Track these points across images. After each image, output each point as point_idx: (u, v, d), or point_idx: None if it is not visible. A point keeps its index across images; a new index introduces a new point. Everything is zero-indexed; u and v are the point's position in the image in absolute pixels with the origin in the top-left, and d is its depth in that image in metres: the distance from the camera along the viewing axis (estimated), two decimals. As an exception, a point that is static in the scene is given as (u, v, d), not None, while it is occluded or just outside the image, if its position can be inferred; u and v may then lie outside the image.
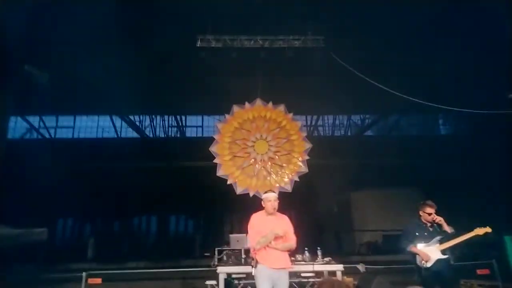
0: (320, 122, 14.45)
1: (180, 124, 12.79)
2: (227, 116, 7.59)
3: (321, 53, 7.28)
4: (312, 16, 7.19)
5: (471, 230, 3.71)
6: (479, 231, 3.64)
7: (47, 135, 12.98)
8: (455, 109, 7.15)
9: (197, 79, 8.50)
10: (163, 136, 12.85)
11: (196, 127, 13.44)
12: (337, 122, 14.58)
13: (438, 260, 3.65)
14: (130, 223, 15.77)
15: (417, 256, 3.75)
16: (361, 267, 5.38)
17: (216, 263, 4.70)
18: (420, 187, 12.94)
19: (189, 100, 10.57)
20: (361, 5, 6.80)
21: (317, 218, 13.93)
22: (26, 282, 5.51)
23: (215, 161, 7.32)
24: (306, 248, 4.79)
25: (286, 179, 7.44)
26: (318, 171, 9.28)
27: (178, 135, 12.94)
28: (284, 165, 7.46)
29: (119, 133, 13.18)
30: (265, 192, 3.65)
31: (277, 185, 7.18)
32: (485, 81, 8.12)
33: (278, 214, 3.59)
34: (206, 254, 7.37)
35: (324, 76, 8.67)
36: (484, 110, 6.86)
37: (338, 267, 4.47)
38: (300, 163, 7.44)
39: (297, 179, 7.44)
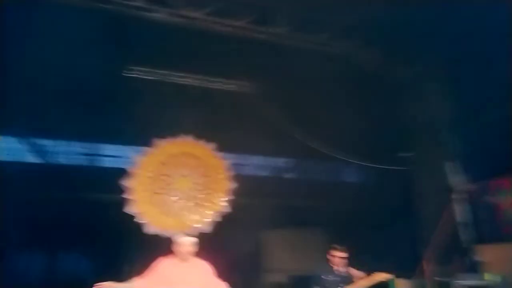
0: (247, 161, 15.02)
1: (92, 152, 12.01)
2: (150, 148, 7.55)
3: (250, 98, 7.96)
4: (245, 63, 7.85)
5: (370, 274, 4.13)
6: (379, 276, 3.98)
7: None
8: (355, 161, 8.36)
9: (124, 108, 8.38)
10: (71, 163, 11.82)
11: (112, 157, 12.69)
12: (261, 163, 15.33)
13: None
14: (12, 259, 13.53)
15: None
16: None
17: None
18: (327, 229, 14.29)
19: (105, 126, 10.15)
20: (288, 56, 7.62)
21: (231, 259, 13.98)
22: None
23: (126, 195, 7.07)
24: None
25: (208, 219, 7.57)
26: (237, 211, 9.63)
27: (89, 164, 12.06)
28: (207, 204, 7.62)
29: (23, 158, 11.69)
30: (180, 236, 3.34)
31: (198, 225, 7.27)
32: (388, 139, 9.65)
33: (196, 261, 3.28)
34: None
35: (251, 118, 9.38)
36: (381, 165, 8.22)
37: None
38: (223, 203, 7.69)
39: (219, 219, 7.63)
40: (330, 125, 10.02)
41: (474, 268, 4.87)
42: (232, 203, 7.99)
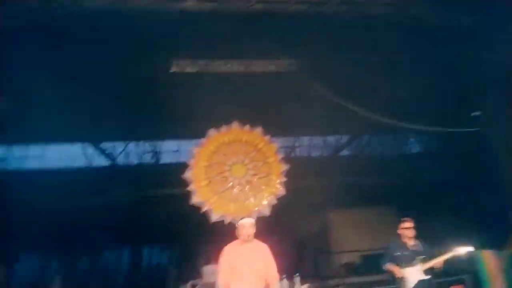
0: (296, 143, 14.71)
1: (155, 150, 12.60)
2: (203, 139, 7.61)
3: (296, 77, 7.54)
4: (286, 40, 7.47)
5: (449, 247, 3.81)
6: (462, 250, 3.71)
7: (14, 166, 12.37)
8: (419, 128, 7.51)
9: (172, 104, 8.55)
10: (135, 163, 12.55)
11: (172, 153, 13.22)
12: (313, 142, 14.87)
13: (420, 281, 3.65)
14: (100, 258, 15.00)
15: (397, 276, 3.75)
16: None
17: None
18: (395, 205, 13.35)
19: (164, 125, 10.51)
20: (334, 27, 7.08)
21: (295, 241, 13.86)
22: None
23: (189, 188, 7.23)
24: (284, 276, 4.64)
25: (264, 202, 7.46)
26: (295, 193, 9.37)
27: (153, 162, 12.70)
28: (262, 187, 7.51)
29: (90, 162, 12.75)
30: (241, 219, 3.43)
31: (256, 208, 7.19)
32: (452, 100, 8.62)
33: (256, 242, 3.33)
34: (181, 286, 7.13)
35: (299, 99, 8.96)
36: (450, 129, 7.28)
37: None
38: (278, 185, 7.52)
39: (275, 202, 7.49)
40: (388, 92, 9.21)
41: None
42: (289, 185, 7.74)
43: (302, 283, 4.66)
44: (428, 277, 3.67)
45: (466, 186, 10.54)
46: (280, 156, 7.87)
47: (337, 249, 14.34)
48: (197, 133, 8.10)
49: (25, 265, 14.52)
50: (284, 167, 7.69)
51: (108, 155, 11.93)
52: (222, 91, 7.80)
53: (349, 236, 14.10)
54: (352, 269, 13.27)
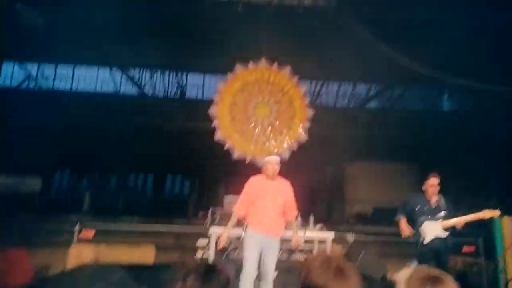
0: (324, 89, 14.15)
1: (181, 82, 12.50)
2: (229, 75, 7.33)
3: (331, 13, 6.89)
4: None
5: (470, 209, 3.62)
6: (487, 213, 3.50)
7: (44, 84, 12.73)
8: (459, 83, 6.89)
9: (201, 35, 8.15)
10: (162, 94, 12.58)
11: (198, 87, 13.13)
12: (341, 91, 14.26)
13: (437, 238, 3.54)
14: (126, 180, 15.96)
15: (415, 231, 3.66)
16: (350, 237, 5.48)
17: (209, 223, 4.74)
18: (417, 164, 13.01)
19: (191, 56, 10.23)
20: None
21: (311, 186, 14.11)
22: (18, 231, 5.60)
23: (214, 124, 7.17)
24: (298, 214, 4.80)
25: (285, 146, 7.34)
26: (317, 140, 9.23)
27: (178, 94, 12.68)
28: (284, 131, 7.32)
29: (118, 88, 12.91)
30: (268, 156, 3.54)
31: (276, 151, 7.10)
32: (497, 56, 7.79)
33: (280, 179, 3.44)
34: (201, 213, 7.48)
35: (332, 39, 8.34)
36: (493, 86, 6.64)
37: (329, 234, 4.51)
38: (301, 131, 7.30)
39: (295, 147, 7.34)
40: (429, 42, 8.40)
41: None
42: (312, 131, 7.53)
43: (315, 223, 4.75)
44: (446, 234, 3.53)
45: (497, 150, 10.02)
46: (306, 100, 7.50)
47: (350, 198, 14.66)
48: (224, 69, 7.80)
49: (59, 181, 15.76)
50: (309, 112, 7.37)
51: (136, 83, 11.96)
52: (253, 24, 7.31)
53: (364, 188, 14.25)
54: (363, 219, 13.63)
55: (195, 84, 13.00)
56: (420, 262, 3.53)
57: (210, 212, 4.94)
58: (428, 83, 12.14)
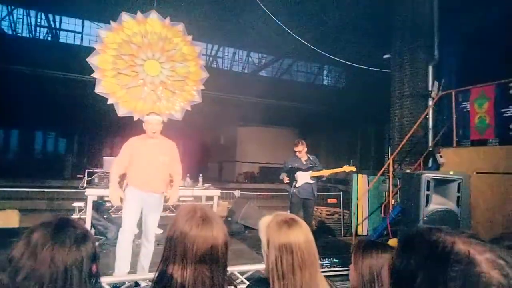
0: (220, 54, 13.94)
1: (53, 25, 10.36)
2: (113, 23, 6.35)
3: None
4: None
5: (338, 165, 4.43)
6: (346, 168, 4.35)
7: None
8: (340, 60, 7.67)
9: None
10: (27, 35, 10.24)
11: (74, 32, 11.06)
12: (236, 57, 14.31)
13: (306, 184, 4.31)
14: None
15: (287, 183, 4.38)
16: (236, 193, 5.75)
17: (85, 185, 4.26)
18: (298, 128, 14.41)
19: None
20: None
21: (204, 148, 14.17)
22: None
23: (94, 75, 6.20)
24: (188, 174, 4.78)
25: (177, 107, 6.88)
26: (210, 103, 9.12)
27: (49, 38, 10.54)
28: (176, 92, 6.83)
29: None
30: (148, 114, 3.31)
31: (167, 112, 6.66)
32: (369, 40, 8.90)
33: (162, 138, 3.26)
34: (78, 176, 6.65)
35: (226, 3, 8.11)
36: (364, 66, 7.58)
37: (216, 193, 4.64)
38: (195, 92, 6.95)
39: (189, 108, 7.01)
40: (316, 23, 9.05)
41: (436, 168, 4.86)
42: (206, 94, 7.32)
43: (204, 182, 4.78)
44: (313, 181, 4.38)
45: (364, 119, 11.78)
46: (201, 61, 7.15)
47: (239, 159, 15.49)
48: (107, 16, 6.75)
49: None
50: (204, 74, 7.03)
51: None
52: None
53: (252, 149, 15.21)
54: (250, 177, 14.66)
55: (71, 29, 10.97)
56: (291, 211, 4.22)
57: (86, 173, 4.43)
58: (312, 59, 13.26)
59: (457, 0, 5.73)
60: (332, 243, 5.28)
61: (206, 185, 4.79)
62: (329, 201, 7.24)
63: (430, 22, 5.88)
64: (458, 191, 3.27)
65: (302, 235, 1.05)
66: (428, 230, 0.54)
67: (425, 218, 3.15)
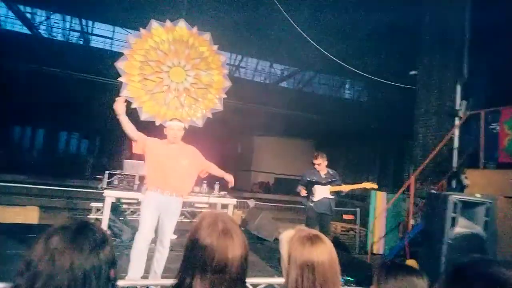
0: (243, 64, 14.10)
1: (85, 30, 10.80)
2: (142, 30, 6.53)
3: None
4: None
5: (354, 182, 4.25)
6: (367, 185, 4.19)
7: None
8: (363, 74, 7.56)
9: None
10: (61, 39, 10.68)
11: (104, 37, 11.47)
12: (259, 67, 14.43)
13: (324, 198, 4.16)
14: (10, 133, 13.48)
15: (304, 196, 4.26)
16: (251, 203, 5.69)
17: (104, 186, 4.31)
18: (315, 140, 14.24)
19: (100, 3, 8.84)
20: None
21: (221, 156, 14.21)
22: None
23: (120, 79, 6.36)
24: (204, 181, 4.76)
25: (199, 114, 6.94)
26: (231, 112, 9.17)
27: (82, 42, 10.96)
28: (199, 99, 6.92)
29: (3, 24, 10.49)
30: (170, 120, 3.32)
31: (189, 118, 6.74)
32: (394, 56, 8.77)
33: (183, 144, 3.26)
34: (98, 176, 6.78)
35: (253, 15, 8.20)
36: (387, 81, 7.45)
37: (231, 201, 4.60)
38: (217, 100, 7.01)
39: (210, 115, 7.06)
40: (342, 36, 9.01)
41: (460, 189, 4.65)
42: (227, 103, 7.37)
43: (220, 190, 4.76)
44: (332, 196, 4.20)
45: (385, 135, 11.51)
46: (225, 70, 7.22)
47: (255, 169, 15.43)
48: (137, 24, 6.93)
49: None
50: (227, 83, 7.09)
51: (28, 22, 9.86)
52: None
53: (268, 159, 15.13)
54: (265, 188, 14.55)
55: (102, 34, 11.36)
56: (307, 225, 4.00)
57: (106, 174, 4.50)
58: (335, 72, 13.19)
59: (489, 17, 5.55)
60: (346, 260, 5.11)
61: (222, 193, 4.76)
62: (345, 217, 7.06)
63: (461, 39, 5.73)
64: (486, 215, 3.09)
65: (326, 253, 1.00)
66: (485, 262, 0.48)
67: (449, 241, 2.99)
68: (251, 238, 5.29)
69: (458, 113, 5.57)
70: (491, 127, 4.71)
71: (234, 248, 0.91)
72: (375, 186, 4.24)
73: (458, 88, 5.74)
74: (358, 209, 6.63)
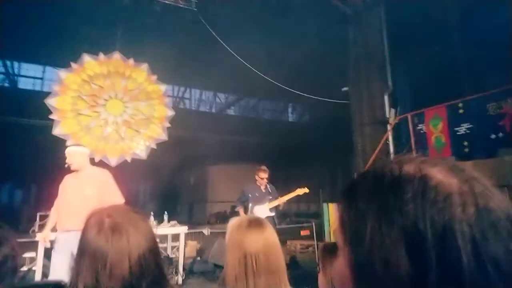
0: (187, 95, 14.02)
1: (11, 72, 9.98)
2: (74, 65, 6.19)
3: (190, 16, 6.71)
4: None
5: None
6: (299, 191, 4.34)
7: None
8: (300, 93, 7.87)
9: (41, 20, 6.67)
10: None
11: (35, 78, 10.68)
12: (203, 97, 14.45)
13: (267, 217, 4.01)
14: None
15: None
16: (206, 231, 5.42)
17: (36, 229, 3.78)
18: (267, 164, 14.30)
19: (26, 43, 8.25)
20: None
21: (172, 189, 13.62)
22: None
23: (52, 116, 5.89)
24: (151, 213, 4.44)
25: (142, 146, 6.67)
26: (179, 142, 8.91)
27: (7, 85, 10.07)
28: (141, 130, 6.65)
29: None
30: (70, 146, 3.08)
31: (131, 151, 6.37)
32: (328, 75, 9.29)
33: (91, 170, 2.96)
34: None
35: (193, 46, 8.25)
36: (324, 98, 7.83)
37: (182, 229, 4.32)
38: (161, 130, 6.78)
39: (154, 146, 6.77)
40: (280, 59, 9.42)
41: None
42: (173, 133, 7.14)
43: (170, 220, 4.44)
44: (273, 214, 4.16)
45: (330, 151, 11.98)
46: (166, 99, 7.07)
47: (210, 199, 14.93)
48: (69, 60, 6.55)
49: None
50: (169, 112, 6.94)
51: None
52: (105, 14, 6.46)
53: (223, 188, 14.76)
54: (222, 217, 14.07)
55: (31, 76, 10.56)
56: None
57: (38, 216, 3.98)
58: (276, 97, 13.67)
59: (404, 31, 6.18)
60: (306, 275, 5.00)
61: (172, 222, 4.45)
62: (302, 233, 7.01)
63: (381, 53, 6.26)
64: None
65: (262, 238, 0.90)
66: (371, 168, 0.43)
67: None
68: (209, 267, 4.96)
69: (388, 121, 5.98)
70: (419, 128, 5.10)
71: (131, 246, 0.74)
72: (307, 190, 4.37)
73: (386, 99, 6.20)
74: (312, 224, 6.64)
